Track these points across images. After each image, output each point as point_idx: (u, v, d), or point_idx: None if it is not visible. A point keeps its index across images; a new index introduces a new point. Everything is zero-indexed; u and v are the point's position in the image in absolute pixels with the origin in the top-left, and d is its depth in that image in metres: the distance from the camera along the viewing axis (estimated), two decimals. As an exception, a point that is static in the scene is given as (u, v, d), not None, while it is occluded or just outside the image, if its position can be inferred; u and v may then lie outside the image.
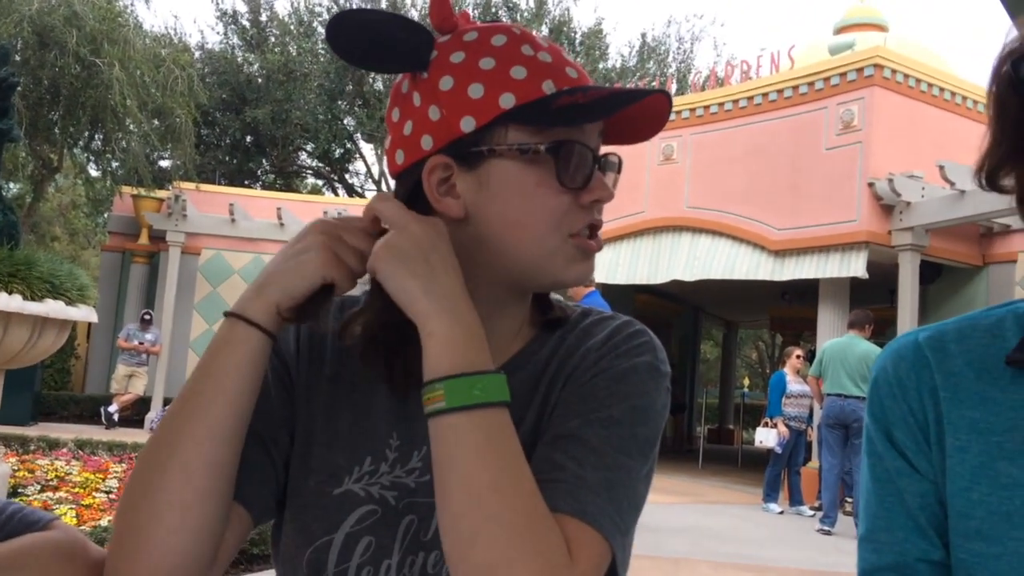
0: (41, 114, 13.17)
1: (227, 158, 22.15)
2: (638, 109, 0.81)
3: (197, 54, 20.67)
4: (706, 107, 11.75)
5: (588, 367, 0.82)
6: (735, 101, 11.48)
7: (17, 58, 12.02)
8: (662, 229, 12.04)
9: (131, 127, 13.84)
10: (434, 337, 0.72)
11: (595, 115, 0.79)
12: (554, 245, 0.80)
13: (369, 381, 0.85)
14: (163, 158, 16.36)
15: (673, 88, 13.42)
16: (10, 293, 4.92)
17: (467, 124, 0.78)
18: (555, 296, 0.93)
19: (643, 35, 25.61)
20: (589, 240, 0.82)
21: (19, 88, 8.81)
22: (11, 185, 17.50)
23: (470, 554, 0.67)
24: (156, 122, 14.23)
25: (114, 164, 15.03)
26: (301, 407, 0.86)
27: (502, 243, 0.80)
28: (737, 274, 11.07)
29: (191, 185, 14.92)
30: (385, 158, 0.88)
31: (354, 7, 0.85)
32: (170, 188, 14.81)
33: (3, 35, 11.62)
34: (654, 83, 13.74)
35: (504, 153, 0.79)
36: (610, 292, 8.91)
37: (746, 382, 21.29)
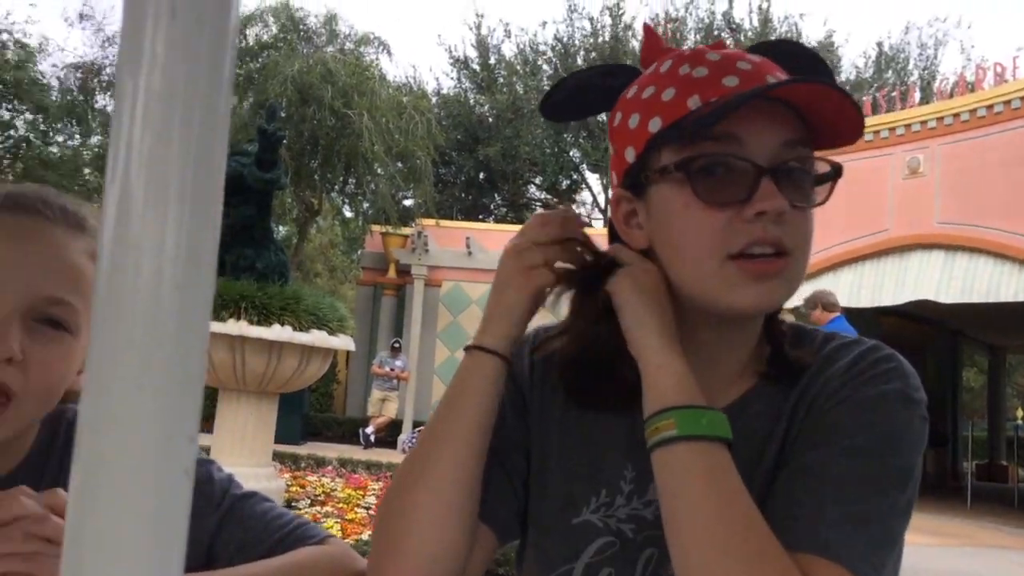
0: (303, 163, 14.67)
1: (463, 194, 23.35)
2: (826, 105, 0.74)
3: (434, 99, 22.04)
4: (955, 115, 10.80)
5: (830, 395, 0.78)
6: (989, 107, 10.47)
7: (282, 114, 13.47)
8: (910, 247, 11.16)
9: (378, 170, 15.05)
10: (665, 369, 0.74)
11: (713, 119, 0.73)
12: (711, 268, 0.75)
13: (598, 408, 0.86)
14: (406, 197, 17.56)
15: (916, 97, 12.47)
16: (282, 325, 5.51)
17: (630, 154, 0.81)
18: (799, 323, 0.89)
19: (879, 44, 23.88)
20: (756, 260, 0.75)
21: (284, 141, 9.83)
22: (280, 228, 19.56)
23: None
24: (400, 164, 15.35)
25: (365, 205, 16.38)
26: (536, 430, 0.88)
27: (670, 270, 0.79)
28: (1004, 296, 10.01)
29: (431, 221, 15.89)
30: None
31: (561, 57, 0.90)
32: (413, 225, 15.86)
33: (271, 94, 13.11)
34: (894, 93, 12.79)
35: (654, 178, 0.79)
36: (854, 316, 8.38)
37: (1019, 413, 19.04)
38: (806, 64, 0.83)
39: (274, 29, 16.76)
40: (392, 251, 15.76)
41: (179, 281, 0.35)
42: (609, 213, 0.88)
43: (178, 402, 0.35)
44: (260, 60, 15.83)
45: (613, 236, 0.86)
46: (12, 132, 18.29)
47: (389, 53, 18.54)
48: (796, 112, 0.76)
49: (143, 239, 0.35)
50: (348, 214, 18.40)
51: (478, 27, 24.17)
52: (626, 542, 0.82)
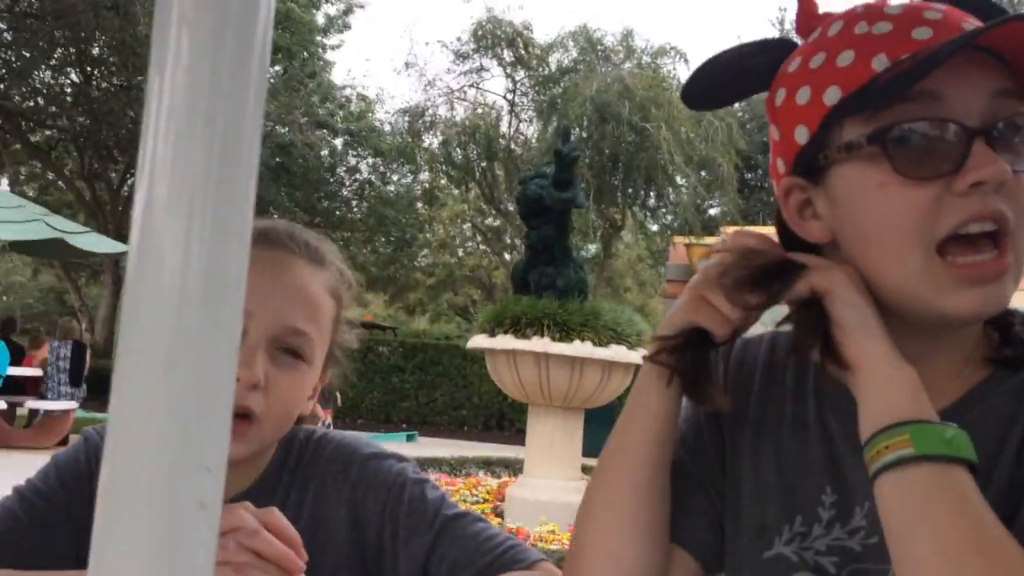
0: (604, 180, 15.07)
1: (770, 199, 22.47)
2: None
3: (737, 104, 21.52)
4: None
5: None
6: None
7: (583, 134, 13.93)
8: None
9: (679, 181, 15.00)
10: (897, 380, 0.64)
11: (914, 77, 0.61)
12: (918, 263, 0.64)
13: (794, 425, 0.77)
14: (711, 206, 17.29)
15: None
16: (582, 341, 5.62)
17: (801, 135, 0.70)
18: None
19: None
20: (970, 262, 0.63)
21: (585, 160, 10.12)
22: (589, 246, 20.19)
23: None
24: (703, 173, 15.15)
25: (668, 218, 16.37)
26: (729, 450, 0.81)
27: (864, 266, 0.68)
28: None
29: (737, 228, 15.50)
30: None
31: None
32: (718, 234, 15.55)
33: (571, 116, 13.63)
34: None
35: (837, 157, 0.67)
36: None
37: None
38: (992, 15, 0.69)
39: (574, 53, 17.42)
40: (697, 262, 15.50)
41: (201, 294, 0.33)
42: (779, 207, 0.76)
43: (195, 428, 0.32)
44: (561, 85, 16.50)
45: (784, 234, 0.76)
46: (357, 176, 20.78)
47: (686, 61, 18.46)
48: (1000, 60, 0.65)
49: (165, 251, 0.33)
50: (652, 228, 18.50)
51: (781, 21, 23.15)
52: None
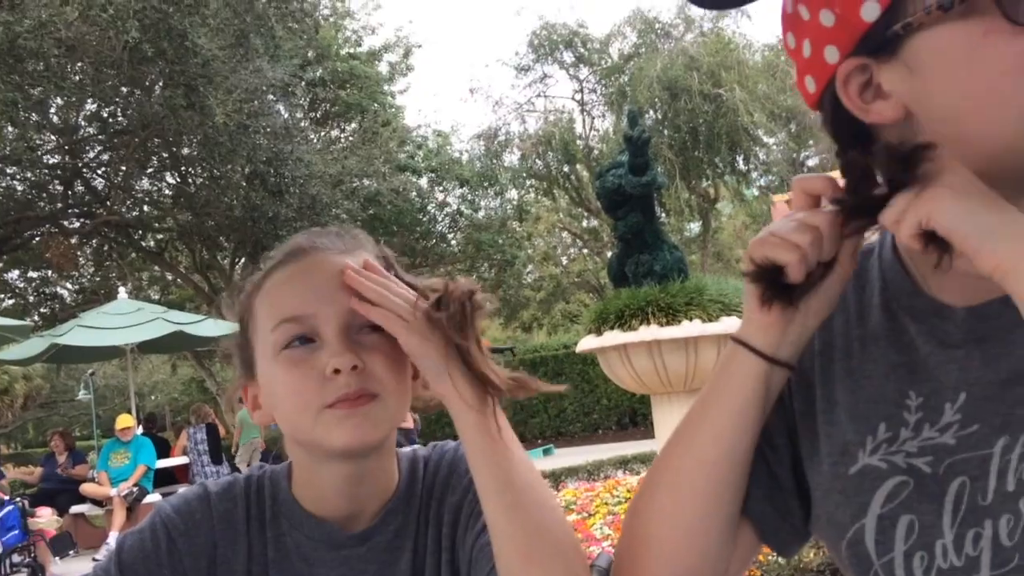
0: (688, 156, 14.70)
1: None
2: None
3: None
4: None
5: None
6: None
7: (657, 115, 13.67)
8: None
9: (766, 140, 14.50)
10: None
11: None
12: None
13: (862, 341, 0.76)
14: (807, 158, 16.64)
15: None
16: (691, 320, 5.44)
17: (869, 11, 0.65)
18: None
19: None
20: None
21: (663, 140, 9.89)
22: (691, 226, 19.75)
23: None
24: (792, 127, 14.60)
25: (764, 180, 15.85)
26: (797, 396, 0.79)
27: (961, 128, 0.64)
28: None
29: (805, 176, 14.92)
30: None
31: None
32: (820, 183, 15.00)
33: (641, 100, 13.38)
34: None
35: (926, 21, 0.63)
36: None
37: None
38: None
39: (633, 39, 17.18)
40: (804, 216, 15.01)
41: None
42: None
43: None
44: (626, 72, 16.29)
45: (839, 127, 0.72)
46: (447, 209, 21.09)
47: (749, 17, 17.84)
48: None
49: None
50: (753, 192, 17.95)
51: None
52: (923, 479, 0.69)
